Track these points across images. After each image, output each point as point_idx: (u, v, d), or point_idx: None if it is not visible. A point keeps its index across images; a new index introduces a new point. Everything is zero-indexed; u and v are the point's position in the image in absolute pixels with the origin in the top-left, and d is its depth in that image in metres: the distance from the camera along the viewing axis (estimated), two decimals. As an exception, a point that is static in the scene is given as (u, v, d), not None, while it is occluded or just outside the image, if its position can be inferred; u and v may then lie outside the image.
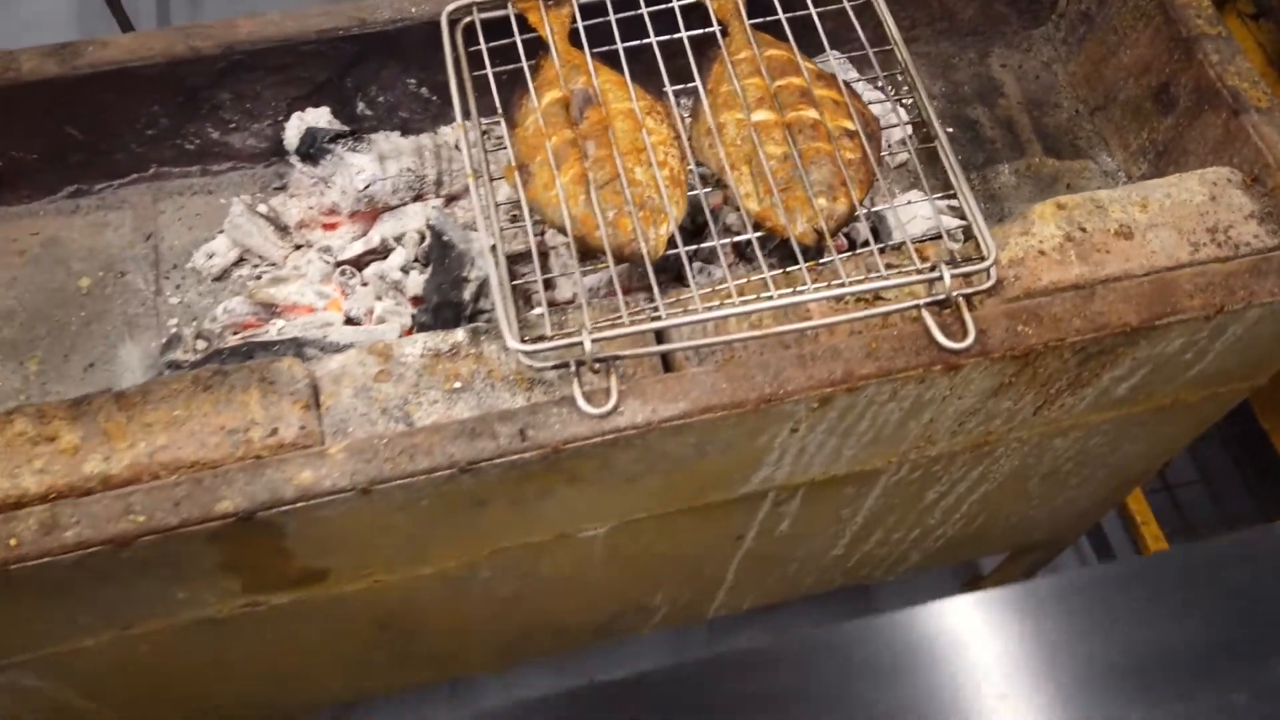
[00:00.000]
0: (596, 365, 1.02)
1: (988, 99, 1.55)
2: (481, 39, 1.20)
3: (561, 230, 1.11)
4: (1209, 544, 0.53)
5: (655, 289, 1.05)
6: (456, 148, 1.37)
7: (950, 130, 1.52)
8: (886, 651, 0.51)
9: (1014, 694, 0.47)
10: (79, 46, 1.22)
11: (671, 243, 1.10)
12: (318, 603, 1.21)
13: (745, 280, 1.11)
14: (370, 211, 1.30)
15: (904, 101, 1.46)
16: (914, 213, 1.31)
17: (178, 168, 1.39)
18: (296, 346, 1.21)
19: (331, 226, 1.32)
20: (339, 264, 1.29)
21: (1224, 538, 0.55)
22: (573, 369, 1.03)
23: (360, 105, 1.37)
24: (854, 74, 1.48)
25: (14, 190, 1.36)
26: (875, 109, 1.25)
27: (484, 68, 1.18)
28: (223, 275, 1.36)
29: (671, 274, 1.31)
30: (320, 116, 1.31)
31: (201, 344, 1.31)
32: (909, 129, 1.30)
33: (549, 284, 1.32)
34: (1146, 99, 1.42)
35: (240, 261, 1.37)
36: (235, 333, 1.30)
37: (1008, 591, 0.53)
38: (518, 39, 1.20)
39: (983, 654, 0.50)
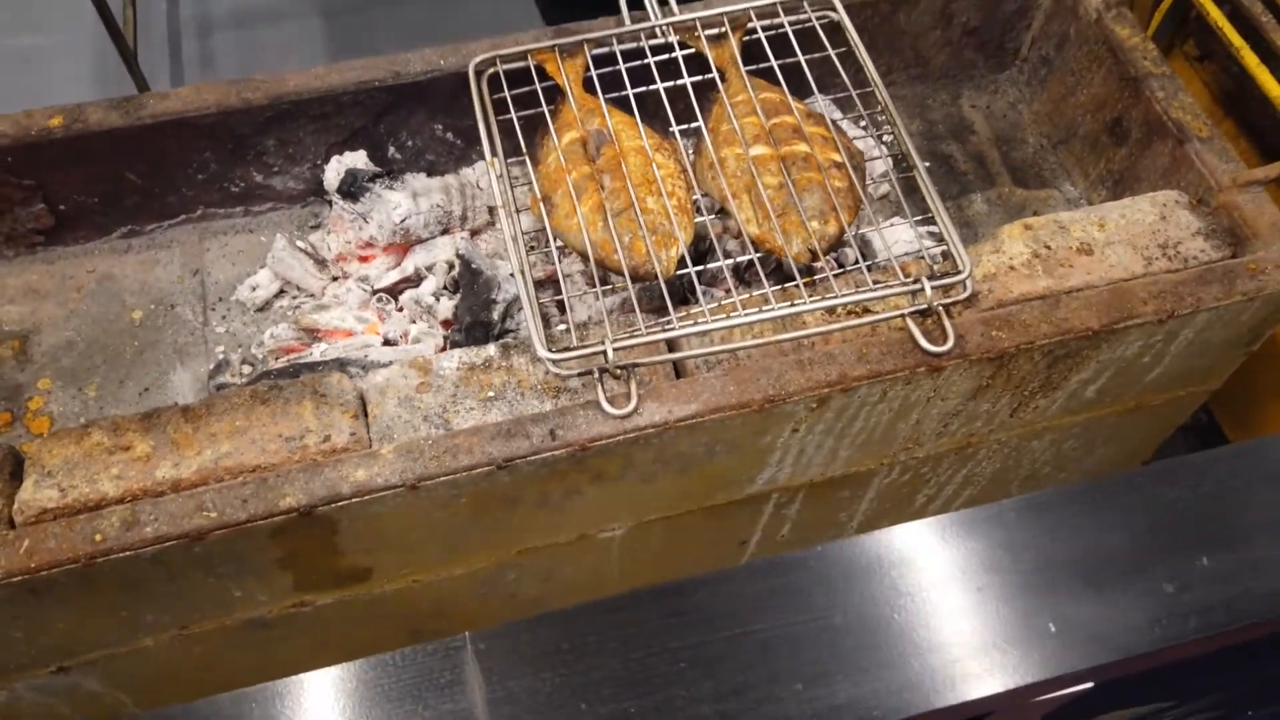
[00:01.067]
0: (618, 371, 1.14)
1: (960, 136, 1.70)
2: (505, 86, 1.33)
3: (583, 253, 1.23)
4: (1146, 469, 0.64)
5: (668, 303, 1.18)
6: (479, 186, 1.50)
7: (926, 164, 1.66)
8: (874, 559, 0.62)
9: (987, 585, 0.58)
10: (141, 99, 1.34)
11: (681, 264, 1.23)
12: (359, 604, 1.31)
13: (747, 296, 1.24)
14: (403, 244, 1.43)
15: (884, 139, 1.60)
16: (896, 237, 1.44)
17: (223, 209, 1.52)
18: (339, 366, 1.32)
19: (367, 259, 1.44)
20: (375, 292, 1.41)
21: (1157, 464, 0.66)
22: (596, 375, 1.15)
23: (391, 149, 1.50)
24: (839, 115, 1.62)
25: (73, 232, 1.48)
26: (859, 144, 1.39)
27: (508, 112, 1.32)
28: (265, 306, 1.48)
29: (678, 299, 1.43)
30: (358, 159, 1.44)
31: (247, 368, 1.43)
32: (889, 162, 1.44)
33: (565, 310, 1.44)
34: (1102, 133, 1.57)
35: (281, 293, 1.49)
36: (278, 357, 1.42)
37: (982, 510, 0.65)
38: (538, 86, 1.34)
39: (960, 555, 0.61)
